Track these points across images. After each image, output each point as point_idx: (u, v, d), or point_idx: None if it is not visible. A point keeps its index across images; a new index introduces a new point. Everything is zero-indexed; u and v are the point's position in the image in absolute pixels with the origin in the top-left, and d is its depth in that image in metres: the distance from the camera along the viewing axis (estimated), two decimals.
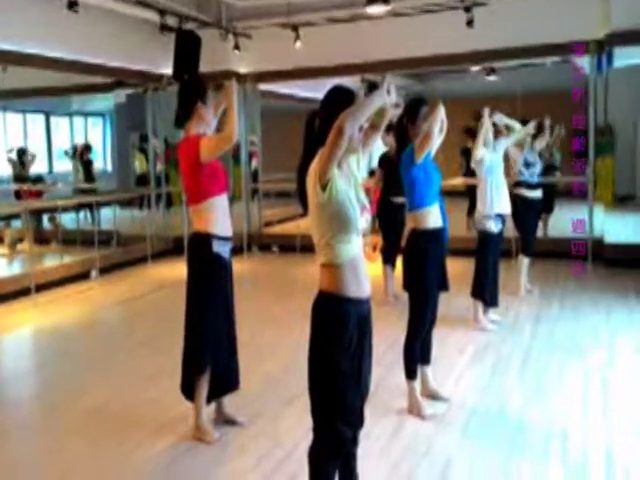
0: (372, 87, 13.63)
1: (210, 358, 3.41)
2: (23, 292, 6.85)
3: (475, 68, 11.54)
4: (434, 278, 3.62)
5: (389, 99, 2.34)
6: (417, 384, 3.66)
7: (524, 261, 6.06)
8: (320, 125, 2.40)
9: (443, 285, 3.73)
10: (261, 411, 3.75)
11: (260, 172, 10.14)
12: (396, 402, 3.64)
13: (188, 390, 3.48)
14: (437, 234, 3.64)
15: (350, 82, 12.95)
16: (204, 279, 3.40)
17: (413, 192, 3.66)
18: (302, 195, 2.39)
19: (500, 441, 3.31)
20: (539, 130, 6.07)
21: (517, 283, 6.06)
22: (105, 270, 7.96)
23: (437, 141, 3.75)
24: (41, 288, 7.01)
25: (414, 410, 3.58)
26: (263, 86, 9.86)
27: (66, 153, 12.41)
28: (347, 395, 2.34)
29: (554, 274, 7.00)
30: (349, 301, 2.33)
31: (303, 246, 8.88)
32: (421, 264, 3.58)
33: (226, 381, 3.53)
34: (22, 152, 11.66)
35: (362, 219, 2.36)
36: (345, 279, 2.32)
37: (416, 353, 3.65)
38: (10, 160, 11.36)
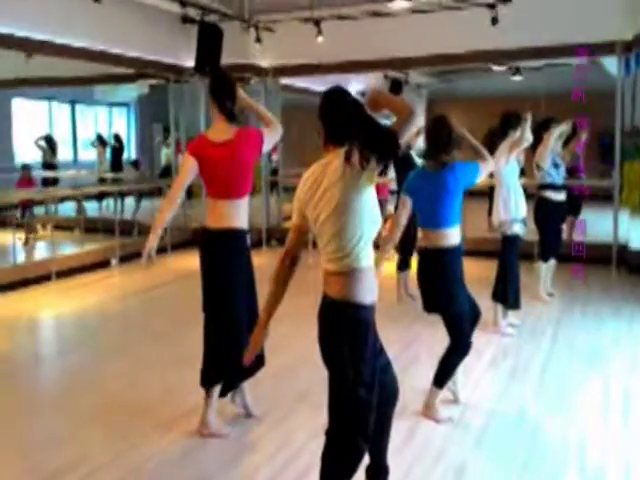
0: (395, 84, 13.57)
1: (230, 361, 3.36)
2: (44, 278, 6.93)
3: (499, 68, 11.41)
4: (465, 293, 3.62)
5: None
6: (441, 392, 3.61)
7: (542, 267, 5.97)
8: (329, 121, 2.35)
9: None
10: (273, 406, 3.74)
11: (280, 166, 10.11)
12: (411, 404, 3.60)
13: (207, 386, 3.44)
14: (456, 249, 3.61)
15: (373, 79, 12.88)
16: (233, 270, 3.39)
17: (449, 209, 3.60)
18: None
19: (516, 448, 3.25)
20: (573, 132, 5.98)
21: (537, 289, 5.96)
22: (125, 259, 8.01)
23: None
24: (62, 275, 7.08)
25: (429, 413, 3.53)
26: (284, 80, 9.82)
27: (92, 144, 12.50)
28: (367, 407, 2.31)
29: (577, 279, 6.86)
30: (369, 308, 2.31)
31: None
32: (455, 281, 3.56)
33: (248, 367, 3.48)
34: (50, 139, 11.79)
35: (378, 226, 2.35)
36: (366, 285, 2.29)
37: (455, 370, 3.61)
38: (40, 147, 11.49)
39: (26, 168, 9.10)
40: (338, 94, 2.37)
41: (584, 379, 4.16)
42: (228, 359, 3.36)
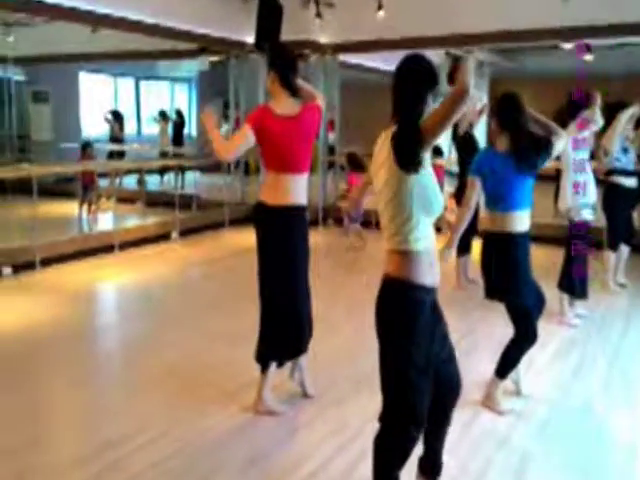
0: (456, 61, 13.15)
1: (286, 337, 3.39)
2: (107, 249, 7.11)
3: (568, 46, 10.89)
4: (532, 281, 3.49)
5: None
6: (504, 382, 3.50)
7: (611, 256, 5.69)
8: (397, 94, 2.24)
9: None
10: (328, 389, 3.70)
11: (337, 144, 9.99)
12: (470, 394, 3.49)
13: (264, 360, 3.43)
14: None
15: (434, 55, 12.55)
16: (292, 247, 3.38)
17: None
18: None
19: (581, 443, 3.12)
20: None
21: (605, 279, 5.70)
22: (185, 233, 8.13)
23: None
24: (124, 246, 7.25)
25: (491, 403, 3.43)
26: (342, 57, 9.64)
27: (155, 119, 12.70)
28: (418, 391, 2.25)
29: None
30: (425, 289, 2.24)
31: (379, 221, 8.74)
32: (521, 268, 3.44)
33: (300, 341, 3.46)
34: (117, 114, 12.05)
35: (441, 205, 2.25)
36: (423, 265, 2.23)
37: (519, 361, 3.48)
38: (108, 120, 11.75)
39: (87, 146, 9.15)
40: (412, 62, 2.24)
41: None
42: (283, 335, 3.36)
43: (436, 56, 12.20)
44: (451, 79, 11.89)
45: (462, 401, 3.43)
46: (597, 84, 5.54)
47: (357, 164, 8.20)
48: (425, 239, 2.22)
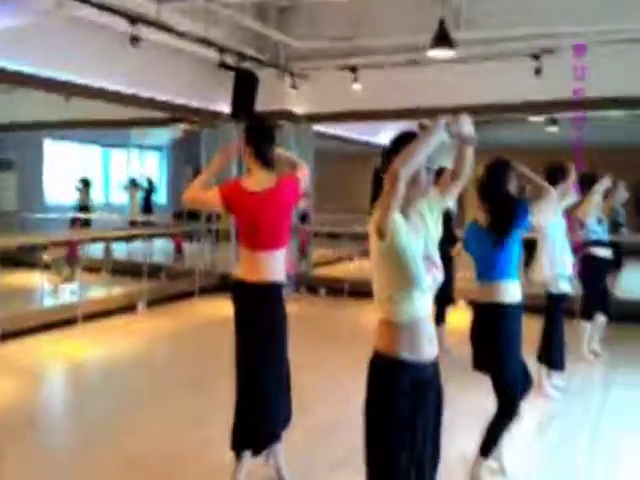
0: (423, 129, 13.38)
1: (260, 429, 3.21)
2: (70, 321, 6.83)
3: (536, 118, 11.27)
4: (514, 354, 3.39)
5: (454, 134, 2.09)
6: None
7: (587, 326, 5.68)
8: (384, 171, 2.21)
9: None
10: (306, 474, 3.49)
11: (312, 212, 10.01)
12: (454, 474, 3.33)
13: (237, 449, 3.23)
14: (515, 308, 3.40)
15: (408, 126, 12.86)
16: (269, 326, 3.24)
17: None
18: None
19: None
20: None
21: (580, 349, 5.66)
22: (152, 303, 7.90)
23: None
24: (88, 318, 6.98)
25: None
26: (317, 127, 9.81)
27: (124, 187, 12.62)
28: (396, 470, 2.10)
29: (621, 338, 6.53)
30: (402, 364, 2.12)
31: (351, 291, 8.68)
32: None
33: (277, 426, 3.28)
34: (86, 182, 11.93)
35: (429, 276, 2.14)
36: (400, 340, 2.13)
37: (501, 437, 3.36)
38: (78, 189, 11.63)
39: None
40: (398, 142, 2.22)
41: (637, 448, 3.86)
42: (260, 423, 3.18)
43: (409, 127, 12.58)
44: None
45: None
46: (561, 155, 5.69)
47: None
48: (409, 310, 2.13)
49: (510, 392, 3.30)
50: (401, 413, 2.10)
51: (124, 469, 3.58)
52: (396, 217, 2.08)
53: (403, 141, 2.18)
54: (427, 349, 2.17)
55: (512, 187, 3.44)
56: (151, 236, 9.88)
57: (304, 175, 3.36)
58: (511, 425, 3.34)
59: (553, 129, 11.70)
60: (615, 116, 9.11)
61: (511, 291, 3.35)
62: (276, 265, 3.22)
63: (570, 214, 5.61)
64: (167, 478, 3.44)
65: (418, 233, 2.17)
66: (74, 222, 11.16)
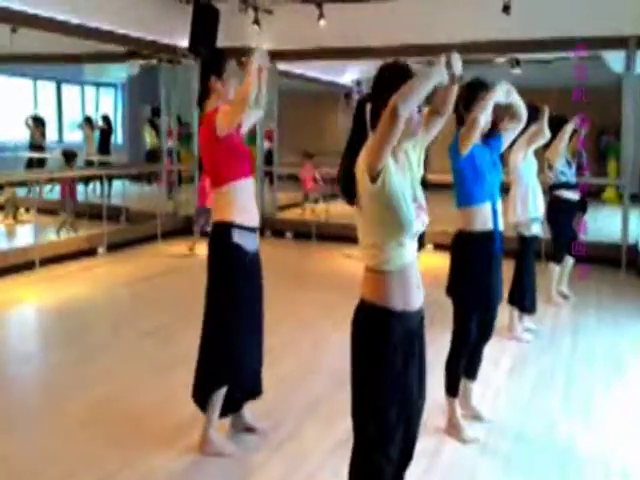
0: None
1: (231, 371, 3.04)
2: (26, 266, 6.54)
3: (499, 59, 11.06)
4: (481, 286, 3.25)
5: (449, 73, 1.98)
6: (457, 403, 3.32)
7: (555, 269, 5.69)
8: (372, 109, 2.04)
9: (493, 298, 3.36)
10: (281, 419, 3.41)
11: (276, 154, 9.73)
12: (434, 420, 3.29)
13: (201, 399, 3.09)
14: (485, 238, 3.26)
15: (371, 66, 12.52)
16: (226, 278, 3.02)
17: (460, 187, 3.29)
18: (346, 187, 2.05)
19: (551, 474, 2.97)
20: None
21: (549, 291, 5.69)
22: (113, 247, 7.62)
23: (513, 132, 3.43)
24: (46, 262, 6.69)
25: (454, 432, 3.24)
26: (282, 66, 9.41)
27: (79, 126, 12.03)
28: (388, 423, 2.01)
29: (588, 280, 6.59)
30: (394, 314, 2.00)
31: (318, 234, 8.56)
32: (465, 269, 3.23)
33: (248, 390, 3.18)
34: (38, 119, 11.33)
35: (418, 221, 2.01)
36: (392, 289, 2.00)
37: (459, 368, 3.30)
38: (28, 126, 11.03)
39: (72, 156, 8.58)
40: (390, 74, 2.06)
41: (611, 389, 3.91)
42: (228, 369, 3.04)
43: (373, 66, 12.23)
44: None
45: (426, 429, 3.25)
46: (525, 97, 5.55)
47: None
48: (399, 257, 2.00)
49: (463, 315, 3.23)
50: (395, 366, 1.99)
51: (89, 419, 3.44)
52: (390, 159, 1.93)
53: (395, 74, 2.01)
54: (416, 296, 2.06)
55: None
56: (109, 177, 9.49)
57: (238, 101, 2.90)
58: (466, 351, 3.29)
59: (517, 71, 11.55)
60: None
61: (474, 218, 3.22)
62: (214, 205, 3.09)
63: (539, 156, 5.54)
64: (136, 431, 3.30)
65: (404, 174, 2.03)
66: (30, 163, 10.66)
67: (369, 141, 1.96)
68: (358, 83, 13.98)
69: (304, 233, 8.73)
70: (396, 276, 2.00)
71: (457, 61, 1.98)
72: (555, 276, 5.70)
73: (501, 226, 3.32)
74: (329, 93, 13.32)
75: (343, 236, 8.49)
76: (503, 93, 3.18)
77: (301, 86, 11.94)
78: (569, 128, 5.43)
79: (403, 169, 2.03)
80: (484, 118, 3.12)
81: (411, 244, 2.04)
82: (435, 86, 1.95)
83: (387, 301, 1.99)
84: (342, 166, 2.05)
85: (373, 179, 1.91)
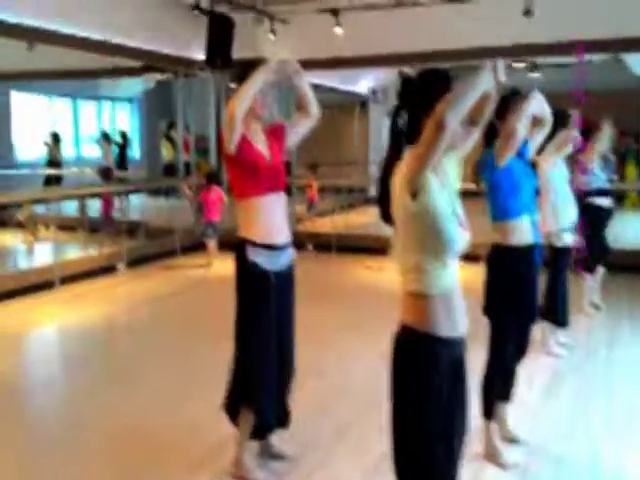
0: (406, 82, 12.99)
1: (250, 390, 2.94)
2: (47, 285, 6.49)
3: (519, 64, 10.90)
4: (522, 304, 3.11)
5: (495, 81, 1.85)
6: (495, 426, 3.17)
7: (588, 279, 5.51)
8: (410, 118, 1.92)
9: (531, 315, 3.22)
10: (310, 445, 3.28)
11: (293, 165, 9.64)
12: (471, 445, 3.13)
13: (233, 411, 3.00)
14: (525, 252, 3.13)
15: (386, 74, 12.39)
16: (244, 295, 2.93)
17: (495, 201, 3.17)
18: (384, 203, 1.94)
19: None
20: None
21: (581, 302, 5.50)
22: (132, 263, 7.56)
23: (537, 140, 3.27)
24: (65, 281, 6.64)
25: (492, 457, 3.09)
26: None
27: (97, 142, 12.07)
28: (435, 459, 1.88)
29: (618, 289, 6.39)
30: (441, 342, 1.87)
31: (339, 246, 8.45)
32: (504, 286, 3.09)
33: (272, 417, 3.05)
34: (56, 136, 11.38)
35: (461, 237, 1.88)
36: (437, 314, 1.86)
37: (495, 390, 3.16)
38: (47, 144, 11.08)
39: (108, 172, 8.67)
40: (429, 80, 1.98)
41: None
42: (247, 388, 2.94)
43: (389, 74, 12.15)
44: (401, 99, 11.52)
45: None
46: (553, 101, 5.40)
47: (209, 178, 8.01)
48: (443, 279, 1.87)
49: (501, 335, 3.09)
50: (441, 399, 1.86)
51: (114, 444, 3.34)
52: (430, 174, 1.81)
53: (435, 81, 1.90)
54: (461, 322, 1.93)
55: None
56: (127, 193, 9.46)
57: (227, 115, 2.79)
58: (502, 372, 3.16)
59: (535, 75, 11.36)
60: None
61: (511, 231, 3.10)
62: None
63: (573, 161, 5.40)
64: (159, 456, 3.20)
65: (444, 189, 1.90)
66: (48, 180, 10.68)
67: (408, 155, 1.85)
68: (374, 92, 13.90)
69: (324, 245, 8.62)
70: (441, 300, 1.87)
71: (502, 67, 1.86)
72: (587, 286, 5.53)
73: (540, 238, 3.19)
74: (344, 102, 13.22)
75: (363, 247, 8.41)
76: (538, 102, 3.06)
77: (317, 96, 11.85)
78: (603, 135, 5.32)
79: (442, 184, 1.90)
80: (523, 128, 3.00)
81: (454, 265, 1.92)
82: None
83: (432, 327, 1.86)
84: (381, 187, 1.93)
85: (413, 196, 1.79)
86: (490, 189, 3.17)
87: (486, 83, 1.80)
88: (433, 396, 1.86)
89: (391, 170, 1.90)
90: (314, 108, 3.04)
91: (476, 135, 2.16)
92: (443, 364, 1.88)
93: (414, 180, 1.78)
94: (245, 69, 2.89)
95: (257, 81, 2.79)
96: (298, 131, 3.09)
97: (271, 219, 2.91)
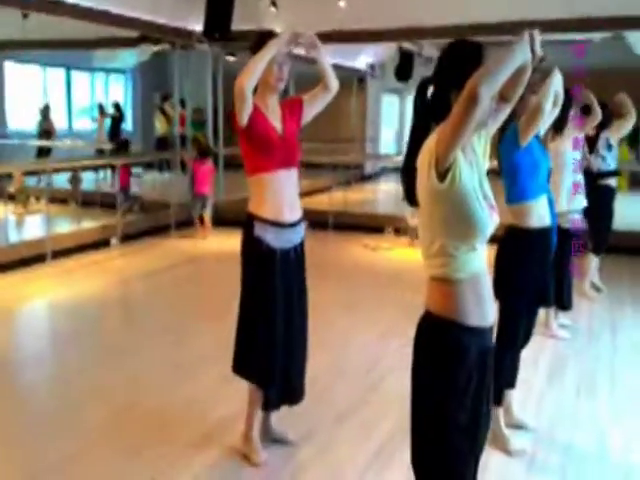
0: (406, 57, 12.80)
1: (255, 361, 2.87)
2: (38, 258, 6.34)
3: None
4: (537, 286, 3.02)
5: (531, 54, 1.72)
6: (501, 412, 3.09)
7: (593, 260, 5.43)
8: (438, 94, 1.79)
9: (543, 298, 3.13)
10: (313, 428, 3.20)
11: None
12: None
13: (241, 367, 2.92)
14: (542, 234, 3.02)
15: (385, 49, 12.16)
16: (248, 270, 2.87)
17: (513, 182, 3.05)
18: (410, 184, 1.81)
19: None
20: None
21: (582, 284, 5.42)
22: (125, 238, 7.41)
23: (549, 118, 3.13)
24: (58, 254, 6.49)
25: (499, 443, 3.02)
26: (297, 50, 9.07)
27: (93, 118, 11.84)
28: (458, 453, 1.79)
29: (620, 272, 6.32)
30: (469, 331, 1.75)
31: (336, 224, 8.32)
32: (520, 268, 2.98)
33: (286, 390, 2.97)
34: (47, 108, 11.15)
35: (491, 221, 1.76)
36: (465, 300, 1.74)
37: (504, 375, 3.07)
38: (42, 115, 10.86)
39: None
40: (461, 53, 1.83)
41: None
42: (254, 360, 2.87)
43: (388, 49, 11.91)
44: (399, 74, 11.27)
45: None
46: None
47: (203, 151, 7.95)
48: (471, 264, 1.75)
49: (512, 319, 2.96)
50: (467, 389, 1.75)
51: (114, 424, 3.25)
52: (459, 152, 1.68)
53: (467, 53, 1.76)
54: (490, 309, 1.82)
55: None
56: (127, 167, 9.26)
57: (235, 89, 2.69)
58: (511, 357, 3.07)
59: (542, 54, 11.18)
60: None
61: (536, 213, 3.01)
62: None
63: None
64: (159, 435, 3.11)
65: (472, 169, 1.77)
66: (41, 151, 10.48)
67: (436, 133, 1.71)
68: (372, 67, 13.66)
69: (321, 222, 8.49)
70: (469, 284, 1.75)
71: (539, 38, 1.72)
72: (592, 269, 5.45)
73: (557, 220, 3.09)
74: (342, 78, 12.98)
75: (360, 225, 8.29)
76: (559, 80, 2.94)
77: (310, 69, 11.63)
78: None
79: (471, 163, 1.77)
80: (548, 105, 2.87)
81: (482, 249, 1.79)
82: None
83: (460, 315, 1.74)
84: (406, 166, 1.81)
85: (441, 175, 1.66)
86: (509, 169, 3.05)
87: (523, 54, 1.67)
88: (459, 390, 1.75)
89: (417, 149, 1.77)
90: (333, 82, 2.95)
91: (507, 112, 2.00)
92: (471, 356, 1.76)
93: (442, 159, 1.65)
94: (258, 40, 2.77)
95: (267, 54, 2.69)
96: (316, 104, 3.00)
97: (281, 196, 2.82)
